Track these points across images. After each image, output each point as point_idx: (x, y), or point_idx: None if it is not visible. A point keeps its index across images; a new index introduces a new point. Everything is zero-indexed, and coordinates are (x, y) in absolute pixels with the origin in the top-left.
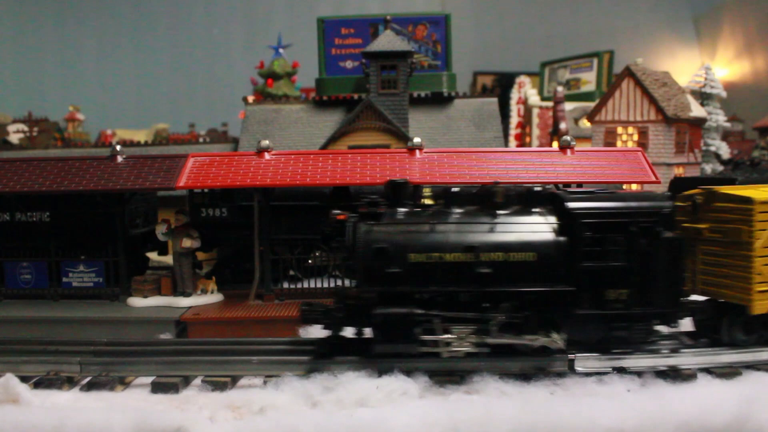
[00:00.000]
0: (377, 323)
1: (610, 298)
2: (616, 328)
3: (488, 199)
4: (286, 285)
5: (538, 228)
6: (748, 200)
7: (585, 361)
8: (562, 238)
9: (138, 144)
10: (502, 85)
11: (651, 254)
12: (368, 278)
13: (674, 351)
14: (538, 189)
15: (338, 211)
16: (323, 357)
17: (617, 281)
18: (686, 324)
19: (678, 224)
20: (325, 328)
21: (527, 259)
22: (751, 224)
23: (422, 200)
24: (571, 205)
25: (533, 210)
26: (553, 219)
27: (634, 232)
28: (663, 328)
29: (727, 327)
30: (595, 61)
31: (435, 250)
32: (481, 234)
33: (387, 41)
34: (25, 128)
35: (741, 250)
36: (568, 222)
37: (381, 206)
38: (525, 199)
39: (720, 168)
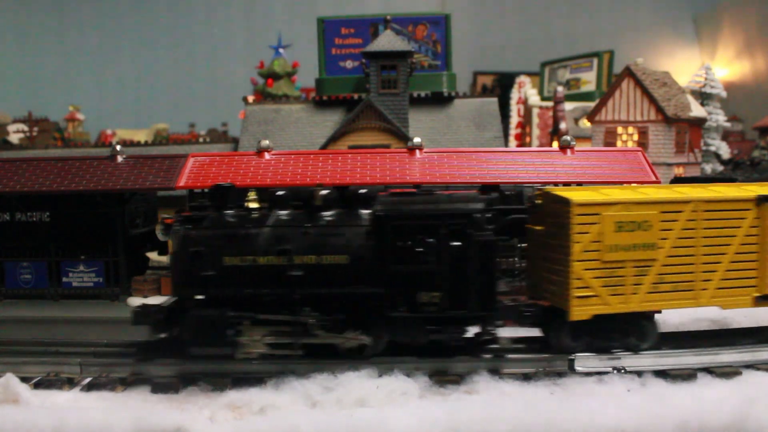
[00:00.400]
0: (192, 325)
1: (423, 301)
2: (431, 331)
3: (309, 202)
4: None
5: (352, 231)
6: (566, 202)
7: (585, 361)
8: (373, 241)
9: (138, 144)
10: (502, 85)
11: (462, 257)
12: (185, 281)
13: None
14: (363, 191)
15: (167, 215)
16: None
17: (429, 284)
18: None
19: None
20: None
21: (339, 262)
22: (568, 227)
23: (248, 203)
24: (379, 208)
25: (352, 213)
26: (367, 222)
27: (444, 235)
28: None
29: (555, 332)
30: (595, 61)
31: (249, 253)
32: (295, 237)
33: (387, 41)
34: (25, 128)
35: (562, 253)
36: (378, 225)
37: (208, 209)
38: (348, 201)
39: (720, 168)
